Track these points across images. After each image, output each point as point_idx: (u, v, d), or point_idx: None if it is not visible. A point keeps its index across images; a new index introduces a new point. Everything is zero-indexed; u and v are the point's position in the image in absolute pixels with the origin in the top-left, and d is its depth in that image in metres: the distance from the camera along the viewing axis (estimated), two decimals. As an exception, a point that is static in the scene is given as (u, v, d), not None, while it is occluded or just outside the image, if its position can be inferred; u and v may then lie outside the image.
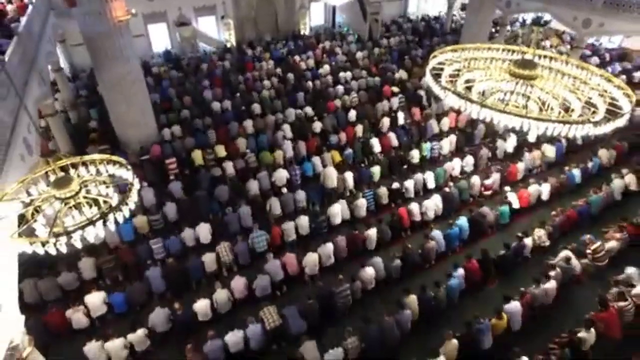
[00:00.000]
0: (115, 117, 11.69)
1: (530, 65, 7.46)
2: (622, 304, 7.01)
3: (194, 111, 13.89)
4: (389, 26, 22.44)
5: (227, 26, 19.88)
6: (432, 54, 7.82)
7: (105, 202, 4.90)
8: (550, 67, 7.46)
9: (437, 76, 7.54)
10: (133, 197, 5.03)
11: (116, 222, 4.75)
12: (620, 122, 6.96)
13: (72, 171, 5.03)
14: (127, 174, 5.24)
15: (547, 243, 8.89)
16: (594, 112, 7.22)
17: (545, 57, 7.49)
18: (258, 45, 19.64)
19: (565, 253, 8.25)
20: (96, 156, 5.27)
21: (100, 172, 5.26)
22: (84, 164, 5.19)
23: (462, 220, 9.04)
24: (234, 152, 11.86)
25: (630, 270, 7.82)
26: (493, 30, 20.58)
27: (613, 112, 6.68)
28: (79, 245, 4.39)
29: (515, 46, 7.71)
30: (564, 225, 9.20)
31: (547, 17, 20.09)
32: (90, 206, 4.85)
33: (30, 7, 10.51)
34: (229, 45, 20.14)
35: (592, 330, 6.54)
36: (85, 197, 4.80)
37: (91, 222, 4.41)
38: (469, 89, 7.96)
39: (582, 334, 6.53)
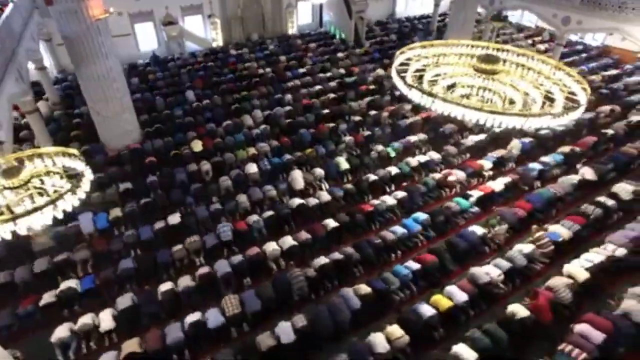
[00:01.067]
0: (96, 115, 11.96)
1: (493, 60, 7.72)
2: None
3: (176, 111, 14.12)
4: (374, 26, 22.65)
5: (214, 25, 20.12)
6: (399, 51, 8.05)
7: (55, 191, 5.17)
8: (514, 61, 7.71)
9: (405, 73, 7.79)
10: (84, 187, 5.30)
11: (65, 211, 5.03)
12: (576, 114, 7.24)
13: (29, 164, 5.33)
14: (80, 165, 5.51)
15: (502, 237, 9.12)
16: (551, 105, 7.49)
17: (508, 51, 7.72)
18: (244, 45, 19.93)
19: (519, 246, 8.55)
20: (51, 149, 5.55)
21: (55, 164, 5.54)
22: (40, 156, 5.47)
23: (419, 214, 9.30)
24: (211, 150, 12.12)
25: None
26: (476, 30, 20.76)
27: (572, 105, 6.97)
28: (24, 231, 4.66)
29: (482, 42, 7.92)
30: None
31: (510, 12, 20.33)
32: (42, 195, 5.12)
33: (10, 4, 10.77)
34: (215, 44, 20.40)
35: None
36: (36, 187, 5.08)
37: (37, 209, 4.68)
38: (435, 83, 8.26)
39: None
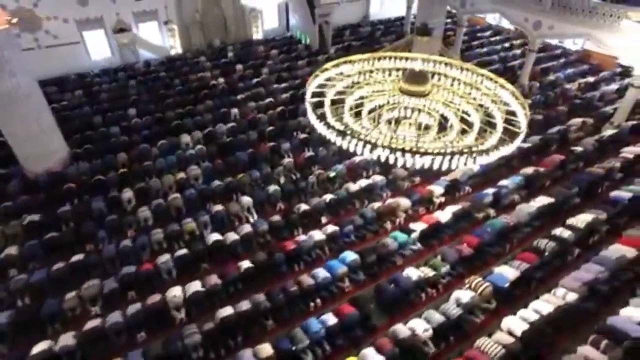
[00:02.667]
0: (9, 135, 10.89)
1: (420, 79, 6.65)
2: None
3: (113, 129, 13.03)
4: (344, 30, 21.53)
5: (172, 32, 19.01)
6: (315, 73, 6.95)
7: None
8: (450, 75, 6.69)
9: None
10: None
11: None
12: (512, 148, 6.19)
13: None
14: None
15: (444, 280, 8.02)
16: (490, 130, 6.45)
17: (440, 63, 6.68)
18: (203, 52, 18.85)
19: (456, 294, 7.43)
20: None
21: None
22: None
23: (348, 253, 8.21)
24: (139, 174, 11.06)
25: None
26: (452, 33, 19.61)
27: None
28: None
29: (408, 53, 6.84)
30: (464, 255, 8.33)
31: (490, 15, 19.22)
32: None
33: None
34: (174, 52, 19.30)
35: None
36: None
37: None
38: (359, 107, 7.19)
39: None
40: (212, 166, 11.20)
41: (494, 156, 5.73)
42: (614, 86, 15.43)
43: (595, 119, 13.35)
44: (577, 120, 13.04)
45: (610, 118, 13.44)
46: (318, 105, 6.73)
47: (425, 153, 5.32)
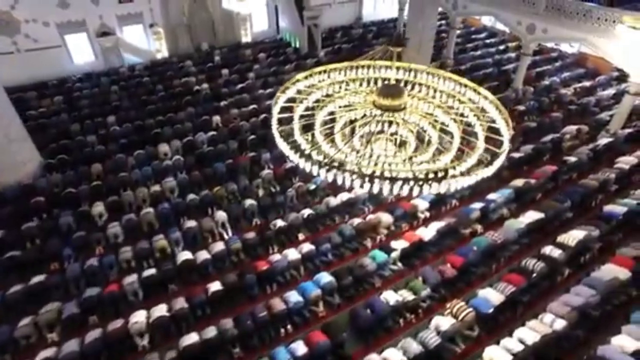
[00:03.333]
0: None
1: (395, 93, 6.13)
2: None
3: (89, 138, 12.56)
4: (335, 32, 21.04)
5: (158, 35, 18.54)
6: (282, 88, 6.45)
7: None
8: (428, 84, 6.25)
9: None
10: None
11: None
12: (492, 170, 5.70)
13: None
14: None
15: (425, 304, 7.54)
16: (467, 151, 5.97)
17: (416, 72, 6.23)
18: (189, 56, 18.39)
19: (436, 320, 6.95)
20: None
21: None
22: None
23: (323, 274, 7.74)
24: (113, 186, 10.59)
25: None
26: (446, 35, 19.09)
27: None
28: None
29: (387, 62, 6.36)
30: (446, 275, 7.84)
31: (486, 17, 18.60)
32: None
33: None
34: (160, 56, 18.84)
35: None
36: None
37: None
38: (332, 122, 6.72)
39: None
40: (188, 178, 10.73)
41: (471, 180, 5.24)
42: (610, 91, 14.92)
43: (591, 126, 12.84)
44: (571, 128, 12.53)
45: (606, 125, 12.93)
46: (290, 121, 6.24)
47: (394, 179, 4.83)
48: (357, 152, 6.40)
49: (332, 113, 6.70)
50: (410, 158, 6.19)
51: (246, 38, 20.42)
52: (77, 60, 17.48)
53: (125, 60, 18.09)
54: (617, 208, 9.46)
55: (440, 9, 17.04)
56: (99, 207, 9.81)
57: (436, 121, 6.31)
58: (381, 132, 6.35)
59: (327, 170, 4.89)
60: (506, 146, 5.80)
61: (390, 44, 5.87)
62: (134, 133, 12.82)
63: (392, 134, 6.32)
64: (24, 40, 15.83)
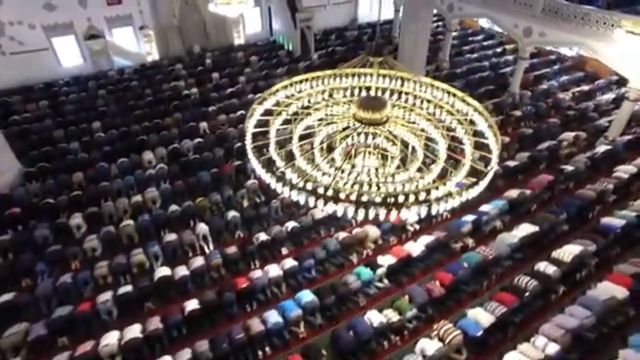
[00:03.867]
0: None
1: (377, 105, 5.72)
2: None
3: (73, 145, 12.22)
4: (330, 34, 20.66)
5: (148, 38, 18.18)
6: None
7: None
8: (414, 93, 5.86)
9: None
10: None
11: None
12: (479, 189, 5.31)
13: None
14: None
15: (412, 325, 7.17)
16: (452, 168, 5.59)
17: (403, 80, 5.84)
18: (180, 59, 18.04)
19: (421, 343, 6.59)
20: None
21: None
22: None
23: (304, 292, 7.38)
24: (93, 196, 10.25)
25: None
26: (442, 37, 18.68)
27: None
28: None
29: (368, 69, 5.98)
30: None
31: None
32: None
33: None
34: (151, 58, 18.48)
35: None
36: None
37: None
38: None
39: None
40: (171, 188, 10.37)
41: (455, 202, 4.86)
42: (610, 95, 14.52)
43: (589, 133, 12.45)
44: (569, 135, 12.14)
45: (605, 131, 12.53)
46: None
47: (372, 203, 4.45)
48: (337, 168, 6.03)
49: (310, 127, 6.33)
50: (393, 175, 5.80)
51: (239, 40, 20.05)
52: (65, 64, 17.13)
53: (114, 63, 17.74)
54: (614, 221, 9.09)
55: (435, 11, 16.62)
56: (77, 219, 9.47)
57: (422, 132, 5.94)
58: (364, 145, 6.00)
59: (298, 193, 4.52)
60: (494, 164, 5.41)
61: (369, 54, 5.47)
62: (119, 140, 12.47)
63: (374, 148, 5.95)
64: (9, 43, 15.48)
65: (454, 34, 19.59)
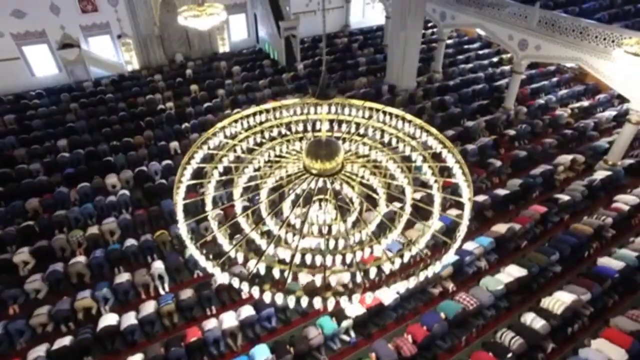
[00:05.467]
0: None
1: (328, 152, 4.81)
2: None
3: (34, 166, 11.43)
4: (318, 42, 19.78)
5: (127, 47, 17.41)
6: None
7: None
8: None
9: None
10: None
11: None
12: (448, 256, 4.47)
13: None
14: None
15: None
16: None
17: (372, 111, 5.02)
18: (159, 69, 17.26)
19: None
20: None
21: None
22: None
23: (260, 347, 6.58)
24: (46, 227, 9.47)
25: None
26: (437, 45, 17.75)
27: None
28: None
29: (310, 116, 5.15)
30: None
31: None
32: None
33: None
34: (131, 68, 17.71)
35: None
36: None
37: None
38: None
39: None
40: (131, 218, 9.57)
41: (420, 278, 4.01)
42: (611, 112, 13.57)
43: (587, 155, 11.52)
44: (565, 158, 11.22)
45: (605, 154, 11.61)
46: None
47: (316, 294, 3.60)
48: (290, 225, 5.19)
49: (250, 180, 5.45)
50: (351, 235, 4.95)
51: (224, 48, 19.26)
52: (39, 74, 16.40)
53: (91, 73, 16.97)
54: (612, 262, 8.21)
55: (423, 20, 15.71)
56: (22, 255, 8.67)
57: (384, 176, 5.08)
58: (318, 192, 5.15)
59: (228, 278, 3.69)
60: (465, 222, 4.54)
61: (314, 94, 4.54)
62: (84, 160, 11.68)
63: (333, 195, 5.10)
64: (-24, 52, 14.78)
65: (449, 41, 18.73)
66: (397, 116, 5.02)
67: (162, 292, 8.14)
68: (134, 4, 16.62)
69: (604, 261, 8.29)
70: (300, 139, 5.16)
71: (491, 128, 12.96)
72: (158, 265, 8.32)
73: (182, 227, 4.30)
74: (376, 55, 18.13)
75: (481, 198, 9.70)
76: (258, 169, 5.41)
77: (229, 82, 15.83)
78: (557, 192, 10.33)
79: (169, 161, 11.44)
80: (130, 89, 15.62)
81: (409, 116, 4.99)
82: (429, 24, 19.85)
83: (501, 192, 10.08)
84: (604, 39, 10.29)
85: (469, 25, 15.47)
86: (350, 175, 4.66)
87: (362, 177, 4.89)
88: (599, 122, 13.07)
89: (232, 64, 17.37)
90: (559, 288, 7.77)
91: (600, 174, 10.62)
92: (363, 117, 5.20)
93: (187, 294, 7.77)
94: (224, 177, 5.07)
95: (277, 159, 5.12)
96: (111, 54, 17.48)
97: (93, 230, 9.33)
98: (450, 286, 8.01)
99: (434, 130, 4.75)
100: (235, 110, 13.74)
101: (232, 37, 19.51)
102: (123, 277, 8.18)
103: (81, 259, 8.60)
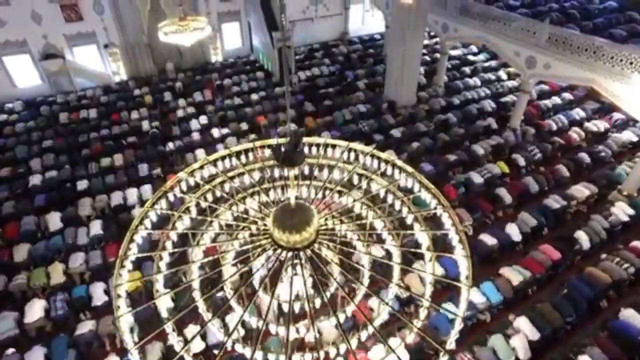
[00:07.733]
0: None
1: (298, 222, 3.79)
2: None
3: (2, 194, 10.62)
4: (315, 51, 18.87)
5: (114, 57, 16.58)
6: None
7: None
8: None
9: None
10: None
11: None
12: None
13: None
14: None
15: None
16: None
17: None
18: (148, 81, 16.44)
19: None
20: None
21: None
22: None
23: None
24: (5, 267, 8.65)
25: None
26: (438, 55, 16.83)
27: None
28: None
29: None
30: None
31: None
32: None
33: None
34: (118, 79, 16.89)
35: None
36: None
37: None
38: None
39: None
40: (102, 260, 8.71)
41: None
42: (629, 135, 12.53)
43: (600, 185, 10.54)
44: (582, 192, 10.15)
45: (620, 183, 10.68)
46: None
47: None
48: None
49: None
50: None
51: (217, 57, 18.41)
52: (20, 84, 15.62)
53: (77, 84, 16.16)
54: (636, 318, 7.28)
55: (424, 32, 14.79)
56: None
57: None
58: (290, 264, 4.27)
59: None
60: (464, 305, 3.66)
61: (279, 160, 3.55)
62: (56, 187, 10.83)
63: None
64: (-48, 63, 13.99)
65: (453, 52, 17.78)
66: (386, 162, 4.28)
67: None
68: (121, 13, 15.84)
69: (626, 315, 7.37)
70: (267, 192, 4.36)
71: (496, 153, 12.05)
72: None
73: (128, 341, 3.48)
74: (375, 66, 17.18)
75: (489, 241, 8.81)
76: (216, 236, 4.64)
77: (219, 98, 14.92)
78: (569, 228, 9.39)
79: (149, 185, 10.57)
80: (114, 105, 14.75)
81: (399, 162, 4.22)
82: (432, 32, 18.89)
83: (510, 230, 9.16)
84: (621, 60, 9.36)
85: (471, 39, 14.57)
86: (328, 243, 3.84)
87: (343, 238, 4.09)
88: (614, 145, 12.10)
89: (224, 76, 16.49)
90: (575, 351, 6.87)
91: (619, 210, 9.64)
92: (348, 160, 4.48)
93: (155, 349, 6.92)
94: (176, 250, 4.27)
95: (237, 223, 4.32)
96: (98, 64, 16.66)
97: (58, 279, 8.37)
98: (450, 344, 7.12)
99: (430, 184, 3.97)
100: (225, 131, 12.87)
101: (226, 45, 18.73)
102: (85, 328, 7.35)
103: (38, 310, 7.68)
